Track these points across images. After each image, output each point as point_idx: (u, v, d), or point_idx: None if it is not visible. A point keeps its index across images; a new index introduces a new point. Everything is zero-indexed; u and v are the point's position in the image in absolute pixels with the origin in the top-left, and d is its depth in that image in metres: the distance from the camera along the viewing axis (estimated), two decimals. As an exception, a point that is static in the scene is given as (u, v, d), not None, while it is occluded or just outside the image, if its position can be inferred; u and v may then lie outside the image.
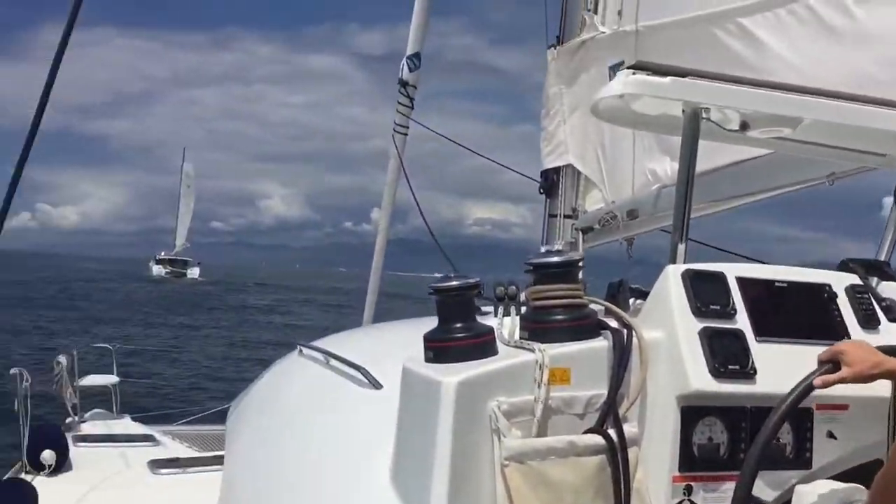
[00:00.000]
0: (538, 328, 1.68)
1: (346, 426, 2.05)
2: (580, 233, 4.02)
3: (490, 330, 1.67)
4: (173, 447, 5.79)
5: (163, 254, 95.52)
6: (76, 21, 2.51)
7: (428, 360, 1.65)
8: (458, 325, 1.65)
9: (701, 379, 1.67)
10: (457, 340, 1.63)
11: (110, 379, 7.23)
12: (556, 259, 1.83)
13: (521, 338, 1.68)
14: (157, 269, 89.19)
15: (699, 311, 1.75)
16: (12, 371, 5.37)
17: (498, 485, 1.51)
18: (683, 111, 1.98)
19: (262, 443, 2.46)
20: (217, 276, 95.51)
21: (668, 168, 3.33)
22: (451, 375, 1.52)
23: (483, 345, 1.63)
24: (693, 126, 1.97)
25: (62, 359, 6.34)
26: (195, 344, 27.39)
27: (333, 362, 2.36)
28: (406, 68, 5.18)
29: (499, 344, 1.66)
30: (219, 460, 3.18)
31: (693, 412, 1.69)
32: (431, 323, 1.70)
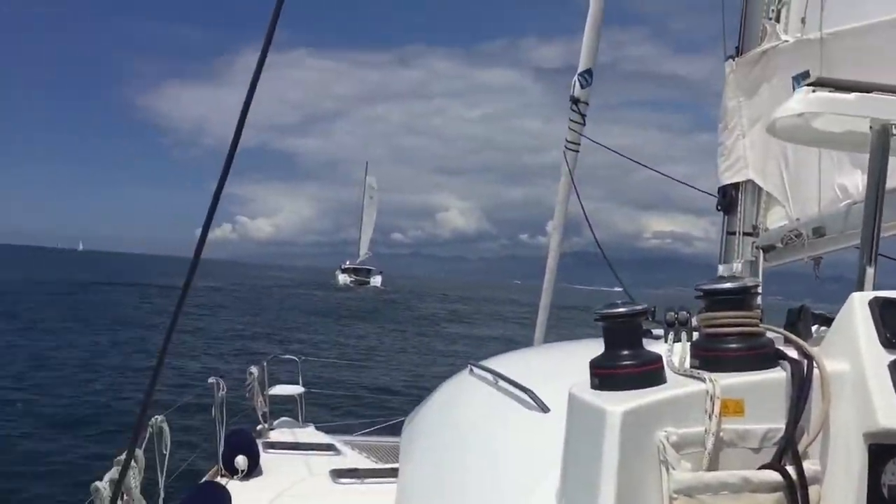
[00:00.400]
0: (710, 356, 1.60)
1: (514, 448, 2.04)
2: (761, 251, 3.80)
3: (658, 358, 1.61)
4: (353, 457, 6.13)
5: (347, 263, 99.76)
6: (270, 46, 2.66)
7: (594, 386, 1.61)
8: (625, 352, 1.60)
9: (891, 416, 1.52)
10: (623, 368, 1.58)
11: (296, 389, 7.69)
12: (729, 285, 1.71)
13: (691, 366, 1.62)
14: (342, 278, 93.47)
15: (889, 343, 1.59)
16: (210, 380, 5.71)
17: None
18: (871, 128, 1.84)
19: (432, 460, 2.48)
20: (398, 285, 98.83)
21: (859, 183, 3.08)
22: (617, 404, 1.48)
23: (650, 373, 1.58)
24: (882, 143, 1.83)
25: (254, 369, 6.76)
26: (376, 352, 28.29)
27: (502, 383, 2.36)
28: (578, 85, 5.13)
29: (667, 372, 1.61)
30: (394, 473, 3.24)
31: (882, 451, 1.54)
32: (600, 345, 1.66)
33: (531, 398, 2.05)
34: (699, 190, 4.43)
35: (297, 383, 7.94)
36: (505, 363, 2.67)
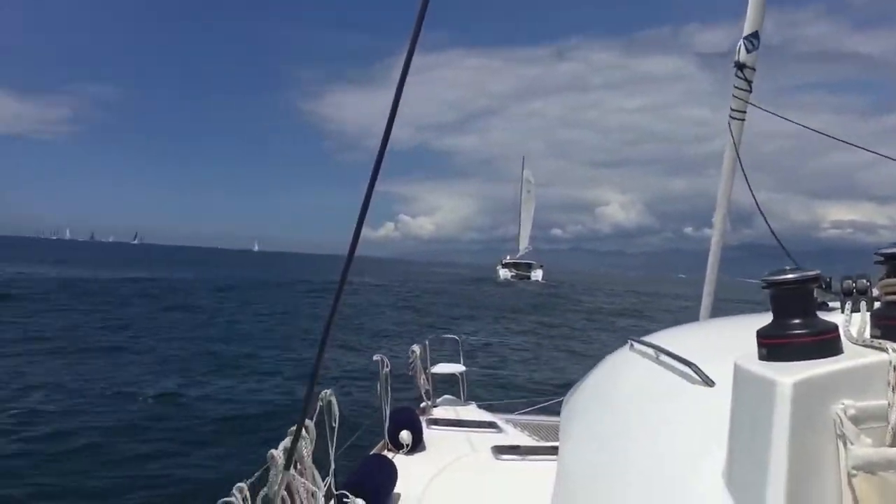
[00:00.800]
0: (893, 325, 1.49)
1: (678, 424, 1.95)
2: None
3: (834, 327, 1.49)
4: (514, 434, 6.20)
5: (507, 258, 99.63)
6: (416, 46, 2.55)
7: (762, 357, 1.51)
8: (797, 320, 1.49)
9: None
10: (795, 337, 1.48)
11: (458, 368, 7.82)
12: None
13: (871, 336, 1.52)
14: (503, 273, 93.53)
15: None
16: (375, 357, 5.72)
17: (844, 496, 1.36)
18: None
19: (593, 436, 2.42)
20: (559, 279, 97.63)
21: None
22: (789, 375, 1.39)
23: (826, 342, 1.47)
24: None
25: (416, 348, 6.89)
26: (541, 340, 28.00)
27: (664, 357, 2.27)
28: (743, 49, 4.90)
29: (844, 342, 1.50)
30: (555, 451, 3.23)
31: None
32: (767, 319, 1.55)
33: (695, 372, 1.97)
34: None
35: (459, 362, 8.06)
36: (666, 338, 2.57)
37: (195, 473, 9.69)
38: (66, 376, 15.19)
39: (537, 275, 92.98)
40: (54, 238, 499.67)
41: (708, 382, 1.90)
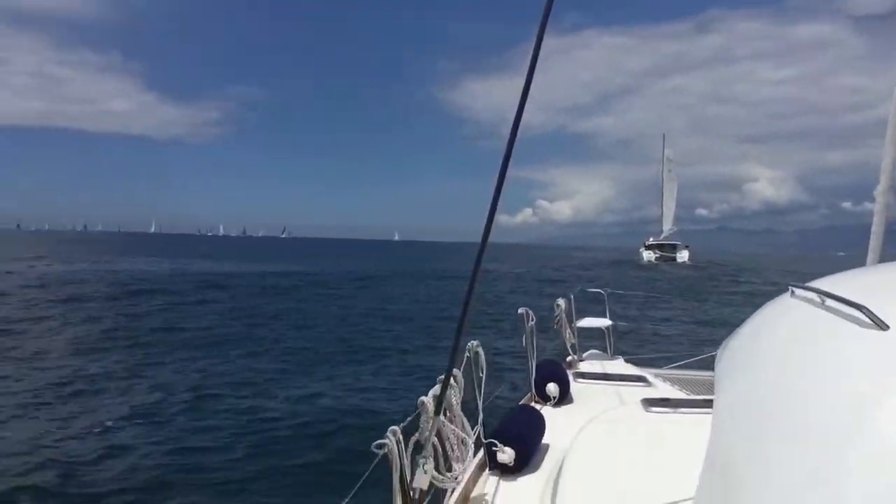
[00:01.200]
0: None
1: (847, 370, 1.72)
2: None
3: None
4: (664, 388, 6.06)
5: (651, 240, 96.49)
6: (545, 29, 2.71)
7: None
8: None
9: None
10: None
11: (604, 322, 7.80)
12: None
13: None
14: (646, 255, 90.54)
15: None
16: (520, 310, 5.63)
17: None
18: None
19: (752, 385, 2.12)
20: (705, 260, 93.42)
21: None
22: None
23: None
24: None
25: (561, 302, 6.89)
26: (693, 314, 27.11)
27: (830, 302, 2.04)
28: None
29: None
30: (708, 404, 3.14)
31: None
32: None
33: (866, 315, 1.76)
34: None
35: (605, 316, 7.95)
36: (831, 283, 2.31)
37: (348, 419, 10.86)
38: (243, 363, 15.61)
39: (683, 256, 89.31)
40: (210, 234, 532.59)
41: (881, 325, 1.74)
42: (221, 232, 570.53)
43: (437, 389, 3.28)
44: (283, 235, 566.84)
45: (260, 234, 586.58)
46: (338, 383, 14.00)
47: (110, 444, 9.71)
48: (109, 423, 10.68)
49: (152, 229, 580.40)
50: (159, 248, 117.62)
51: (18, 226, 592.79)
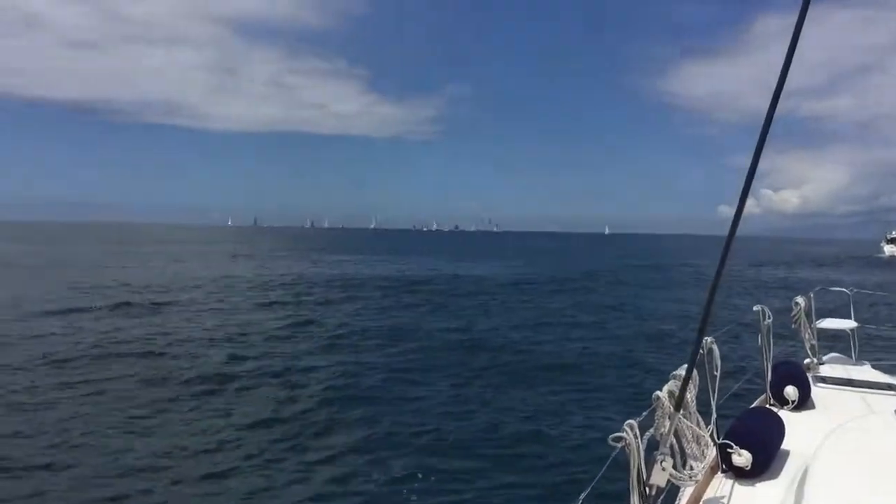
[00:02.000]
0: None
1: None
2: None
3: None
4: None
5: (894, 233, 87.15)
6: (808, 11, 2.57)
7: None
8: None
9: None
10: None
11: (848, 323, 7.27)
12: None
13: None
14: (889, 249, 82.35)
15: None
16: (755, 308, 5.37)
17: None
18: None
19: None
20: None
21: None
22: None
23: None
24: None
25: (800, 300, 6.52)
26: None
27: None
28: None
29: None
30: None
31: None
32: None
33: None
34: None
35: (849, 317, 7.43)
36: None
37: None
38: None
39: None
40: (424, 230, 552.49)
41: None
42: (434, 227, 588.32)
43: (671, 385, 3.22)
44: (495, 229, 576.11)
45: (472, 229, 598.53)
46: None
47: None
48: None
49: (372, 225, 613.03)
50: (399, 246, 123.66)
51: (255, 221, 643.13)
